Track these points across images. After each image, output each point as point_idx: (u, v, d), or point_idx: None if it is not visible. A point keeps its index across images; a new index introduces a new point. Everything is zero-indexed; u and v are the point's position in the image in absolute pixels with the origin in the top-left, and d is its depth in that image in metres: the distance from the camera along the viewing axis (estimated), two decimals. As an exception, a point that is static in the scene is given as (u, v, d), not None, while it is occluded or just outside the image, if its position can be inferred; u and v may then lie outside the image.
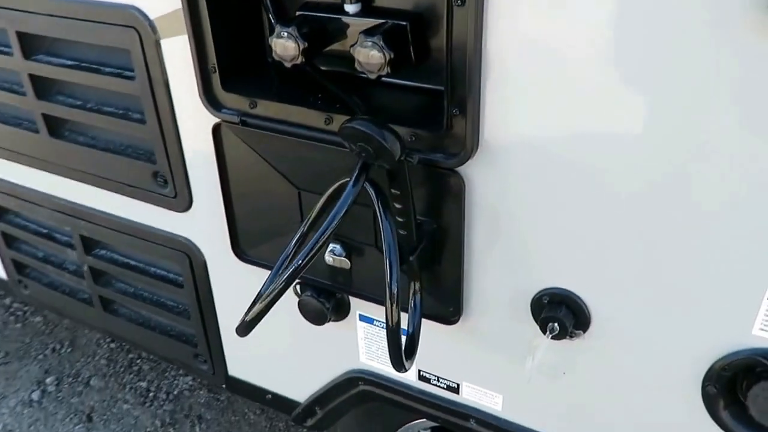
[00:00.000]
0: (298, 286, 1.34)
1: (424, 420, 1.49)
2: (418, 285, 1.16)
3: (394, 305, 0.98)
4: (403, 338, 1.11)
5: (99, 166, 1.45)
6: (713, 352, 1.04)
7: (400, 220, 1.07)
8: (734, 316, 0.99)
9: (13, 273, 1.87)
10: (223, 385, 1.69)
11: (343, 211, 0.96)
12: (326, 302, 1.32)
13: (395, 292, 0.98)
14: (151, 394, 2.56)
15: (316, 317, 1.34)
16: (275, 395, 1.62)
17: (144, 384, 2.59)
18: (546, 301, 1.12)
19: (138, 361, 2.68)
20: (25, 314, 2.87)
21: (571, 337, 1.13)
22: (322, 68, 1.17)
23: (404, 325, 1.16)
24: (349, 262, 1.23)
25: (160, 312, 1.63)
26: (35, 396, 2.53)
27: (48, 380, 2.59)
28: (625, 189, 0.96)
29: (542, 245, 1.08)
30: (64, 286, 1.80)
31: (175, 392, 2.57)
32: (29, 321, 2.85)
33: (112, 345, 2.75)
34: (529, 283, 1.12)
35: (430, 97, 1.09)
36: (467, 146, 1.02)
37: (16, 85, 1.46)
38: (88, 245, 1.63)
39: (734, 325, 0.99)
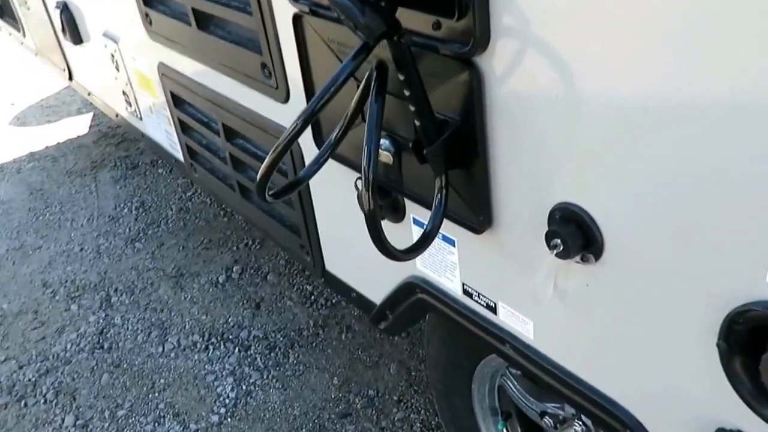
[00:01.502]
0: (359, 181, 1.40)
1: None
2: (443, 181, 1.16)
3: (369, 190, 1.00)
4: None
5: (231, 58, 1.63)
6: (726, 301, 0.89)
7: (412, 108, 1.07)
8: (749, 258, 0.84)
9: (187, 156, 2.19)
10: (322, 278, 1.82)
11: (338, 81, 0.99)
12: (378, 198, 1.36)
13: (370, 177, 0.99)
14: (312, 298, 2.81)
15: (370, 213, 1.38)
16: (358, 294, 1.71)
17: (309, 288, 2.85)
18: (558, 216, 1.05)
19: (311, 268, 2.94)
20: (232, 212, 3.29)
21: (583, 261, 1.05)
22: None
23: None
24: (390, 158, 1.25)
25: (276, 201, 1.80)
26: (221, 279, 2.92)
27: (235, 268, 2.97)
28: (645, 102, 0.86)
29: (558, 154, 1.00)
30: (218, 171, 2.06)
31: (333, 301, 2.78)
32: (233, 218, 3.26)
33: (294, 251, 3.04)
34: (547, 195, 1.05)
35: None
36: (477, 35, 0.98)
37: (176, -19, 1.71)
38: (229, 134, 1.85)
39: (748, 270, 0.85)
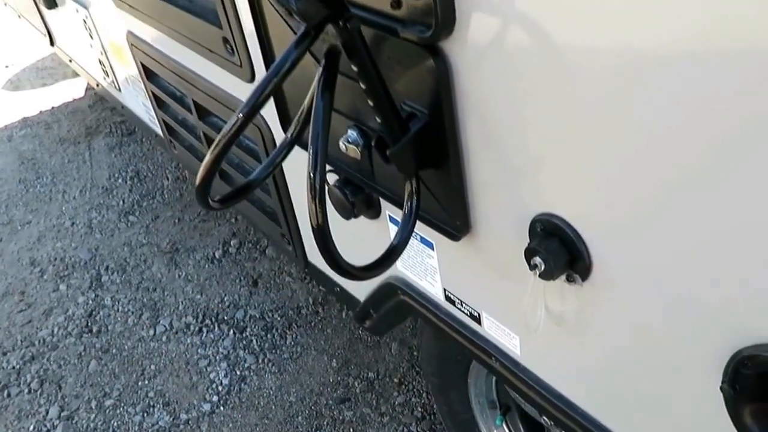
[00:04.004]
0: (330, 176, 1.25)
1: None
2: (414, 186, 1.00)
3: (316, 202, 0.85)
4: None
5: (194, 31, 1.47)
6: (734, 339, 0.74)
7: (370, 103, 0.92)
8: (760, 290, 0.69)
9: (165, 132, 2.04)
10: (305, 270, 1.69)
11: (281, 71, 0.83)
12: (350, 195, 1.21)
13: (317, 186, 0.84)
14: (312, 273, 2.67)
15: (341, 209, 1.24)
16: (342, 289, 1.58)
17: (309, 263, 2.72)
18: (539, 229, 0.89)
19: (311, 242, 2.81)
20: (230, 182, 3.16)
21: (569, 281, 0.90)
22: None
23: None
24: (359, 153, 1.10)
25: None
26: (218, 254, 2.79)
27: (232, 242, 2.83)
28: (645, 101, 0.69)
29: (538, 157, 0.85)
30: (196, 150, 1.92)
31: (334, 277, 2.65)
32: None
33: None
34: (527, 204, 0.90)
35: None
36: (439, 15, 0.81)
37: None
38: (201, 112, 1.70)
39: (759, 306, 0.70)
